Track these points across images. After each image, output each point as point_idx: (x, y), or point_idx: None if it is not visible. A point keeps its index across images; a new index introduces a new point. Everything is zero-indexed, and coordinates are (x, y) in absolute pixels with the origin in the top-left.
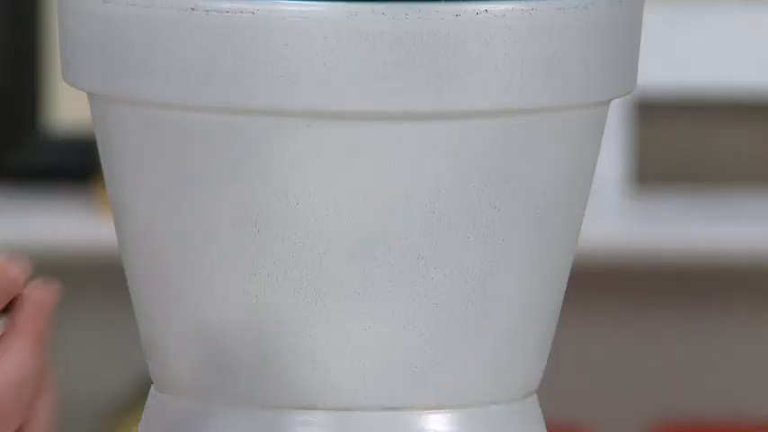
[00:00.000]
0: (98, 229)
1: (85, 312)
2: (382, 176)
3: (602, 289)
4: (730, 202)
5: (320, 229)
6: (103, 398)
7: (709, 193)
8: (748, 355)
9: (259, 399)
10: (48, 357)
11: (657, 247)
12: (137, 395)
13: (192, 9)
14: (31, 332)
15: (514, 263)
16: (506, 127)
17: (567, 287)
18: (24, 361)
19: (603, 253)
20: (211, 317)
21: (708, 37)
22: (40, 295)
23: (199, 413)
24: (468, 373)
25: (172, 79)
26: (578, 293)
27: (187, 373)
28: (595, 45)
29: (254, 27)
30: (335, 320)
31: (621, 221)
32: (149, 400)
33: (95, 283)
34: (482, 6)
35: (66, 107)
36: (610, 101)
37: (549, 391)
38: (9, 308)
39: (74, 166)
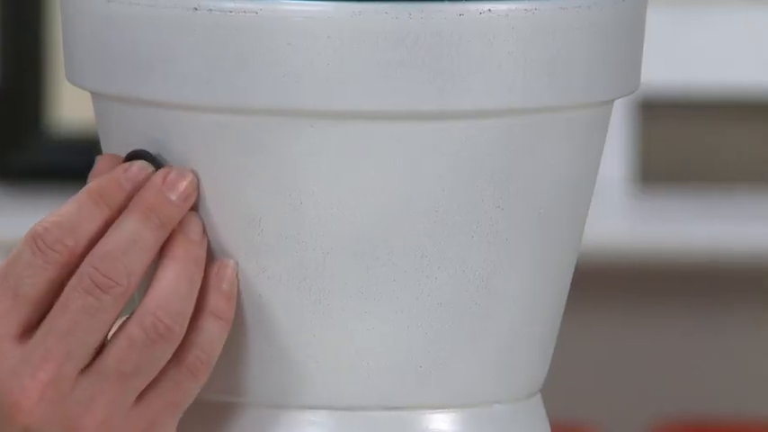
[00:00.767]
0: None
1: None
2: (386, 176)
3: (606, 288)
4: (733, 202)
5: (324, 229)
6: None
7: (712, 193)
8: (751, 354)
9: (263, 398)
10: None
11: (660, 247)
12: None
13: (195, 9)
14: (181, 256)
15: (518, 262)
16: (510, 127)
17: (571, 286)
18: (180, 277)
19: (607, 252)
20: None
21: (711, 36)
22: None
23: (203, 413)
24: (472, 372)
25: (175, 79)
26: (582, 293)
27: None
28: (599, 45)
29: (258, 27)
30: (339, 320)
31: (625, 221)
32: None
33: None
34: (485, 6)
35: (71, 107)
36: (613, 100)
37: (552, 391)
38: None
39: (78, 166)
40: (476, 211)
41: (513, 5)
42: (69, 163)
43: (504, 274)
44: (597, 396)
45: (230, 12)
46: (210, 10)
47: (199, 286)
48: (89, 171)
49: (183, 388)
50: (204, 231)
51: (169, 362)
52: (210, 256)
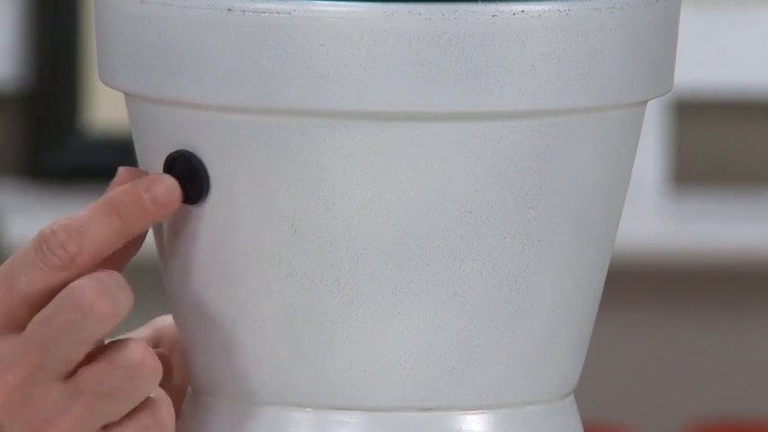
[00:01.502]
0: None
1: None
2: (418, 177)
3: (640, 289)
4: None
5: (357, 229)
6: None
7: (746, 193)
8: None
9: (296, 399)
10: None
11: (695, 247)
12: None
13: (229, 10)
14: None
15: (551, 263)
16: (543, 127)
17: (605, 287)
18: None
19: (641, 253)
20: (247, 317)
21: (745, 37)
22: None
23: (235, 413)
24: (505, 373)
25: (208, 80)
26: (616, 293)
27: (224, 373)
28: (632, 45)
29: (291, 28)
30: (372, 320)
31: (659, 221)
32: (187, 402)
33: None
34: (519, 7)
35: (105, 107)
36: (647, 101)
37: (586, 392)
38: None
39: (112, 167)
40: (509, 212)
41: (546, 6)
42: (103, 164)
43: (536, 274)
44: (631, 397)
45: (263, 13)
46: (244, 11)
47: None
48: None
49: None
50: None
51: (143, 409)
52: (245, 258)
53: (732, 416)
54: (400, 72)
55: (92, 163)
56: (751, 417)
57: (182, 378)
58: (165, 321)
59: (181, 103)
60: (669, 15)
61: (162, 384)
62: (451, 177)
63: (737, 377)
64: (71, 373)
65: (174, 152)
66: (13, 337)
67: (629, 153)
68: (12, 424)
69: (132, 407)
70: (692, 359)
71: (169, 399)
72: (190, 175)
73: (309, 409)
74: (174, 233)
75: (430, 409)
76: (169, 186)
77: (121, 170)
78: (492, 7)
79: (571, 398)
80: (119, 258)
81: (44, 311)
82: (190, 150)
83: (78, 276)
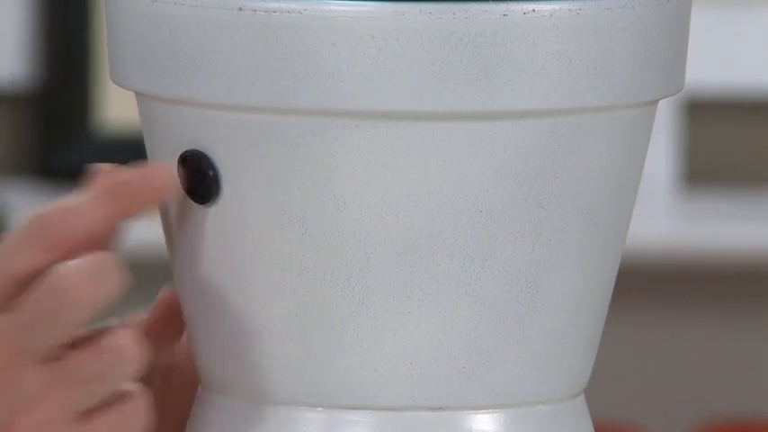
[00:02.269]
0: (148, 228)
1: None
2: (429, 176)
3: (651, 288)
4: None
5: (367, 229)
6: None
7: (758, 193)
8: None
9: (305, 398)
10: None
11: (706, 247)
12: None
13: (240, 9)
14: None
15: (562, 262)
16: (554, 127)
17: (616, 287)
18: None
19: (652, 253)
20: (258, 317)
21: (757, 36)
22: None
23: (245, 412)
24: (516, 372)
25: (219, 79)
26: (627, 293)
27: (234, 373)
28: (643, 44)
29: (302, 27)
30: (382, 320)
31: (670, 221)
32: (196, 400)
33: (143, 281)
34: (529, 6)
35: (116, 107)
36: (658, 101)
37: (597, 392)
38: None
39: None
40: (519, 211)
41: (557, 6)
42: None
43: (547, 273)
44: (641, 397)
45: (274, 12)
46: (255, 10)
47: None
48: None
49: (129, 427)
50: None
51: (122, 398)
52: (255, 257)
53: (742, 416)
54: (411, 71)
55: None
56: (761, 417)
57: (188, 375)
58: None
59: (192, 102)
60: (680, 14)
61: (161, 379)
62: (462, 177)
63: (748, 377)
64: (55, 357)
65: (186, 152)
66: (2, 318)
67: (640, 152)
68: None
69: (111, 391)
70: (702, 359)
71: (148, 394)
72: (201, 174)
73: (320, 409)
74: (184, 233)
75: (440, 409)
76: (163, 172)
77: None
78: (503, 6)
79: (581, 397)
80: (112, 240)
81: (26, 294)
82: (201, 150)
83: (67, 258)
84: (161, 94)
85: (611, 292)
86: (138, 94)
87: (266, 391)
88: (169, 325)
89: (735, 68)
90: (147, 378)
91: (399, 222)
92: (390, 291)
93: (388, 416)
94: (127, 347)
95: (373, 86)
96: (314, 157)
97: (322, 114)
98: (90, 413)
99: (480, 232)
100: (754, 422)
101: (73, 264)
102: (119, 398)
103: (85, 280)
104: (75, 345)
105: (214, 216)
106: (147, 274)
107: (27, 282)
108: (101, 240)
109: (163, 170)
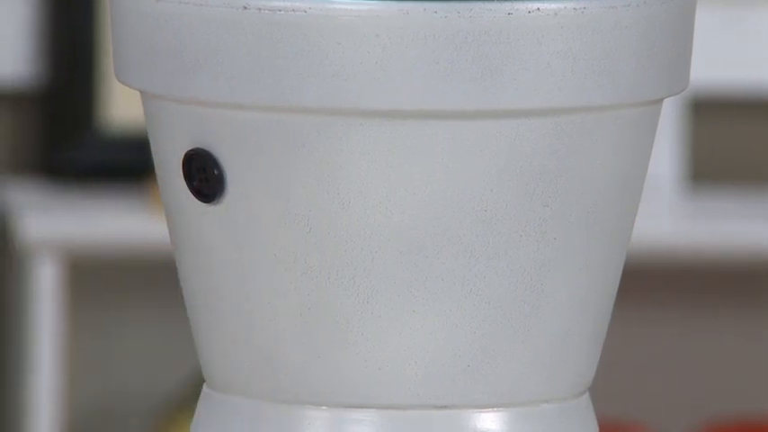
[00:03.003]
0: (154, 227)
1: (140, 309)
2: (434, 175)
3: (655, 287)
4: None
5: (372, 228)
6: (157, 395)
7: (763, 192)
8: None
9: (311, 397)
10: None
11: (710, 246)
12: (190, 393)
13: (245, 8)
14: None
15: (566, 261)
16: (558, 125)
17: (621, 285)
18: None
19: (657, 251)
20: (263, 316)
21: (762, 36)
22: None
23: (250, 410)
24: (521, 371)
25: (223, 78)
26: (632, 291)
27: (239, 371)
28: (647, 43)
29: (307, 26)
30: (387, 318)
31: (675, 220)
32: (202, 398)
33: (149, 281)
34: (534, 5)
35: (121, 106)
36: (662, 99)
37: (601, 391)
38: None
39: (129, 165)
40: (524, 210)
41: (561, 4)
42: (119, 162)
43: (552, 272)
44: (646, 396)
45: (279, 11)
46: (260, 9)
47: None
48: (140, 169)
49: None
50: None
51: None
52: (260, 256)
53: (746, 414)
54: (415, 70)
55: (108, 161)
56: (766, 415)
57: None
58: None
59: (196, 101)
60: (684, 13)
61: None
62: (467, 175)
63: (752, 376)
64: None
65: (191, 150)
66: None
67: (644, 151)
68: None
69: None
70: (706, 357)
71: None
72: (206, 173)
73: (324, 408)
74: (189, 231)
75: (445, 407)
76: None
77: None
78: (507, 5)
79: (586, 396)
80: None
81: None
82: (206, 149)
83: None
84: (165, 92)
85: (616, 290)
86: (142, 92)
87: (271, 390)
88: None
89: (739, 67)
90: None
91: (404, 221)
92: (395, 289)
93: (393, 414)
94: None
95: (378, 85)
96: (318, 155)
97: (326, 113)
98: None
99: (485, 231)
100: (758, 421)
101: None
102: None
103: None
104: None
105: (219, 215)
106: (153, 273)
107: None
108: None
109: None
